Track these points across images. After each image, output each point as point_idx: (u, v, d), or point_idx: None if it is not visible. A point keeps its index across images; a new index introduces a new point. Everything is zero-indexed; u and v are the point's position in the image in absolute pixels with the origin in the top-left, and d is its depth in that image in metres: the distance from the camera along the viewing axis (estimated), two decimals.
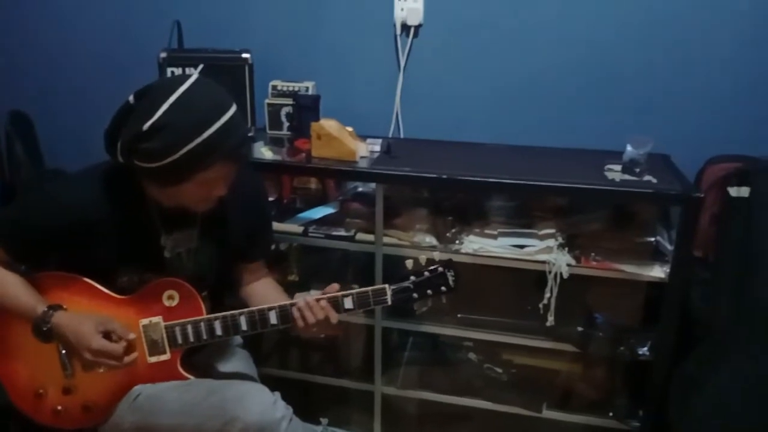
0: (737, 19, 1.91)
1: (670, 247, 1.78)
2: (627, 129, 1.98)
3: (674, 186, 1.73)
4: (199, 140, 1.24)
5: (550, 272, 1.80)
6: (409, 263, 1.51)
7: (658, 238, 1.84)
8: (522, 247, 1.84)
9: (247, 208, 1.54)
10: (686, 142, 2.00)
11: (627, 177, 1.78)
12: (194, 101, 1.26)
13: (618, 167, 1.82)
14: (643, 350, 1.84)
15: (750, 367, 1.77)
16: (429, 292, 1.48)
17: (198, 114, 1.25)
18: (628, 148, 1.82)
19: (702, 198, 1.69)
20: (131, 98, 1.31)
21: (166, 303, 1.45)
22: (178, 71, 1.99)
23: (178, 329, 1.45)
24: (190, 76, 1.29)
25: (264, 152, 1.98)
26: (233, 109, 1.30)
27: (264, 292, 1.60)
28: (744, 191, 1.81)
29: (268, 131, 2.20)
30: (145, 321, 1.45)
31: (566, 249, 1.83)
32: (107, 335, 1.39)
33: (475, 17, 2.07)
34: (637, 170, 1.78)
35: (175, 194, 1.34)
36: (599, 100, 2.07)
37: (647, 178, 1.77)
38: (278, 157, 1.95)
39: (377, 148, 2.00)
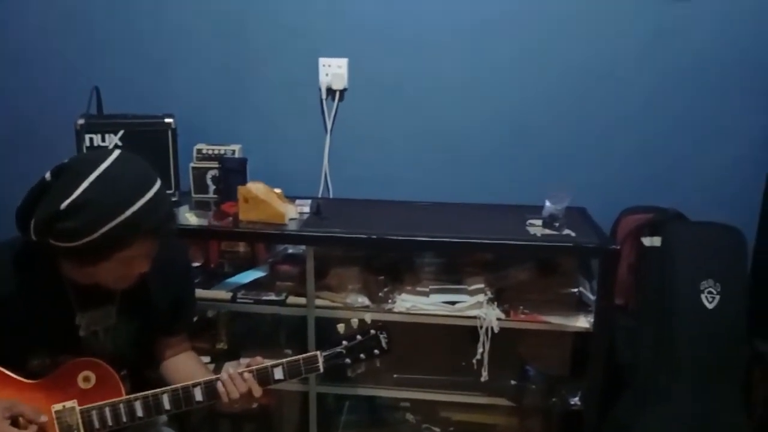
0: (645, 78, 2.06)
1: (592, 297, 1.86)
2: (545, 183, 2.09)
3: (592, 239, 1.82)
4: (120, 219, 1.20)
5: (481, 327, 1.83)
6: (341, 327, 1.50)
7: (581, 288, 1.91)
8: (453, 303, 1.86)
9: (170, 279, 1.48)
10: (601, 194, 2.12)
11: (548, 231, 1.85)
12: (116, 179, 1.21)
13: (539, 222, 1.90)
14: (575, 400, 1.88)
15: (672, 410, 1.85)
16: (362, 356, 1.47)
17: (120, 192, 1.21)
18: (547, 203, 1.90)
19: (618, 249, 1.78)
20: (48, 175, 1.25)
21: (82, 385, 1.36)
22: (96, 138, 1.93)
23: (95, 413, 1.36)
24: (111, 151, 1.25)
25: (189, 217, 1.94)
26: (157, 185, 1.26)
27: (186, 368, 1.52)
28: (656, 241, 1.93)
29: (193, 195, 2.15)
30: (58, 406, 1.35)
31: (495, 303, 1.87)
32: (15, 420, 1.29)
33: (396, 80, 2.15)
34: (557, 224, 1.87)
35: (93, 273, 1.28)
36: (517, 157, 2.17)
37: (566, 231, 1.85)
38: (204, 222, 1.91)
39: (306, 209, 2.00)
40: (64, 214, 1.19)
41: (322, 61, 2.15)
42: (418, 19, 2.09)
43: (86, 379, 1.36)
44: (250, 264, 2.07)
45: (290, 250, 2.07)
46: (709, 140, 2.08)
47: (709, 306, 1.83)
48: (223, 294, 1.94)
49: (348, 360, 1.45)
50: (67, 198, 1.19)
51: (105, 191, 1.20)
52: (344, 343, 1.45)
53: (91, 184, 1.20)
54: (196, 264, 2.03)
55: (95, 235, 1.19)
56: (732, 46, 2.00)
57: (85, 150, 1.92)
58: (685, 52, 2.03)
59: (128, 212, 1.21)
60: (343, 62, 2.14)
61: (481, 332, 1.83)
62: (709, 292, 1.84)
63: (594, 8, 2.02)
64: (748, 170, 2.07)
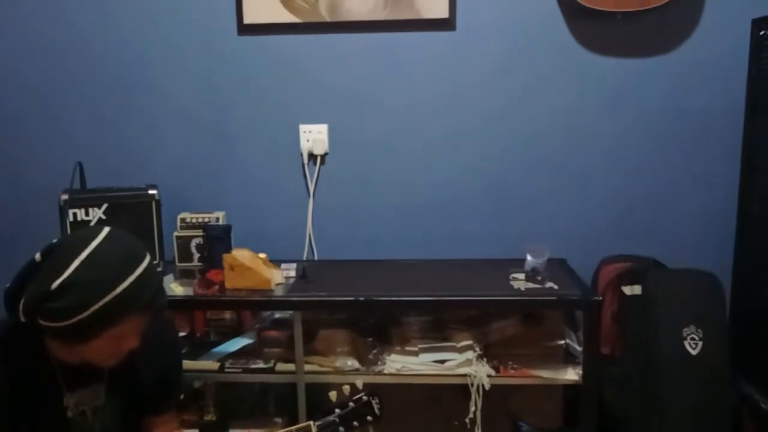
0: (612, 130, 2.15)
1: (579, 348, 1.88)
2: (525, 236, 2.15)
3: (574, 291, 1.85)
4: (110, 297, 1.20)
5: (472, 385, 1.83)
6: (333, 395, 1.49)
7: (567, 340, 1.93)
8: (443, 362, 1.87)
9: (158, 354, 1.46)
10: (579, 245, 2.17)
11: (531, 285, 1.89)
12: (105, 257, 1.22)
13: (521, 276, 1.94)
14: None
15: None
16: (356, 423, 1.45)
17: (109, 270, 1.21)
18: (528, 257, 1.94)
19: (601, 300, 1.81)
20: (37, 256, 1.25)
21: None
22: (80, 212, 1.94)
23: None
24: (101, 229, 1.27)
25: (174, 288, 1.93)
26: (146, 260, 1.27)
27: None
28: (637, 289, 1.97)
29: (177, 264, 2.16)
30: None
31: (484, 359, 1.88)
32: None
33: (375, 143, 2.21)
34: (539, 278, 1.90)
35: (82, 351, 1.27)
36: (496, 212, 2.22)
37: (549, 284, 1.88)
38: (190, 292, 1.90)
39: (292, 273, 2.01)
40: (55, 294, 1.19)
41: (302, 127, 2.21)
42: (393, 84, 2.18)
43: None
44: (236, 331, 2.06)
45: (277, 315, 2.07)
46: (680, 189, 2.16)
47: (693, 352, 1.87)
48: (210, 364, 1.92)
49: (342, 429, 1.44)
50: (58, 278, 1.19)
51: (95, 270, 1.21)
52: (337, 411, 1.44)
53: (82, 263, 1.20)
54: (182, 333, 2.01)
55: (85, 314, 1.19)
56: (693, 98, 2.11)
57: (68, 225, 1.93)
58: (647, 106, 2.13)
59: (118, 289, 1.21)
60: (324, 128, 2.21)
61: (473, 390, 1.83)
62: (692, 339, 1.87)
63: (561, 68, 2.13)
64: (719, 217, 2.14)
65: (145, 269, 1.25)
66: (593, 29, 2.10)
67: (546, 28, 2.11)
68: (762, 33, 1.93)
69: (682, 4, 1.99)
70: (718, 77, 2.09)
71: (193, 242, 2.15)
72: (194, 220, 2.15)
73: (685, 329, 1.88)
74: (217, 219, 2.16)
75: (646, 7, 1.93)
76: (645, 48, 2.10)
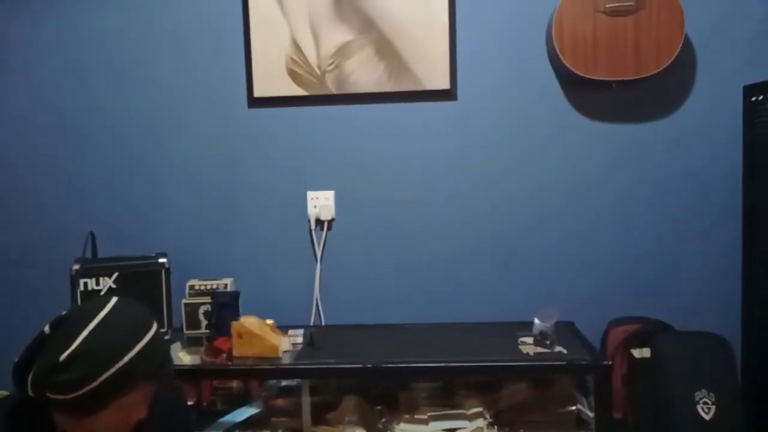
0: (615, 194, 2.19)
1: (591, 414, 1.85)
2: (532, 298, 2.15)
3: (584, 355, 1.84)
4: (118, 366, 1.21)
5: None
6: None
7: (579, 406, 1.91)
8: (453, 430, 1.84)
9: (168, 425, 1.46)
10: (587, 307, 2.17)
11: (540, 350, 1.87)
12: (113, 327, 1.24)
13: (530, 340, 1.93)
14: None
15: None
16: None
17: (117, 340, 1.23)
18: (536, 321, 1.94)
19: (611, 365, 1.80)
20: (46, 328, 1.27)
21: None
22: (91, 282, 1.97)
23: None
24: (109, 299, 1.29)
25: (182, 357, 1.93)
26: (153, 329, 1.28)
27: None
28: (646, 352, 1.96)
29: (185, 331, 2.16)
30: None
31: (495, 427, 1.85)
32: None
33: (381, 208, 2.25)
34: (548, 342, 1.89)
35: (91, 424, 1.26)
36: (503, 275, 2.24)
37: (558, 349, 1.87)
38: (197, 361, 1.90)
39: (300, 339, 2.01)
40: (63, 366, 1.20)
41: (310, 194, 2.26)
42: (398, 152, 2.24)
43: None
44: (243, 400, 2.04)
45: (284, 383, 2.05)
46: (683, 251, 2.18)
47: (707, 417, 1.83)
48: None
49: None
50: (66, 350, 1.20)
51: (102, 340, 1.22)
52: None
53: (89, 334, 1.22)
54: (189, 403, 1.98)
55: (93, 385, 1.19)
56: (691, 162, 2.16)
57: (79, 294, 1.95)
58: (646, 169, 2.18)
59: (126, 359, 1.22)
60: (330, 194, 2.26)
61: None
62: (705, 403, 1.84)
63: (562, 134, 2.19)
64: (724, 278, 2.15)
65: (152, 338, 1.27)
66: (590, 97, 2.17)
67: (545, 97, 2.18)
68: (754, 99, 2.00)
69: (675, 72, 2.07)
70: (715, 141, 2.14)
71: (201, 309, 2.16)
72: (202, 287, 2.17)
73: (697, 393, 1.85)
74: (226, 285, 2.18)
75: (640, 76, 2.01)
76: (642, 114, 2.17)
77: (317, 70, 2.21)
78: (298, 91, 2.22)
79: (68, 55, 2.29)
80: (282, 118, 2.25)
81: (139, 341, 1.25)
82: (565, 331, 2.03)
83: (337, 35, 2.20)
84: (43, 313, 1.31)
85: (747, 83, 2.05)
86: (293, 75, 2.22)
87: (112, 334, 1.23)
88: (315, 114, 2.25)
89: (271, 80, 2.22)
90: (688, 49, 2.11)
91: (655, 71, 2.00)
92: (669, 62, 1.99)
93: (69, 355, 1.20)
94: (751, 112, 2.02)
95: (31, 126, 2.32)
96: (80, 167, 2.32)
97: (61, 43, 2.28)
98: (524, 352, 1.87)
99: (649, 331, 2.01)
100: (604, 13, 2.00)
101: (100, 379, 1.21)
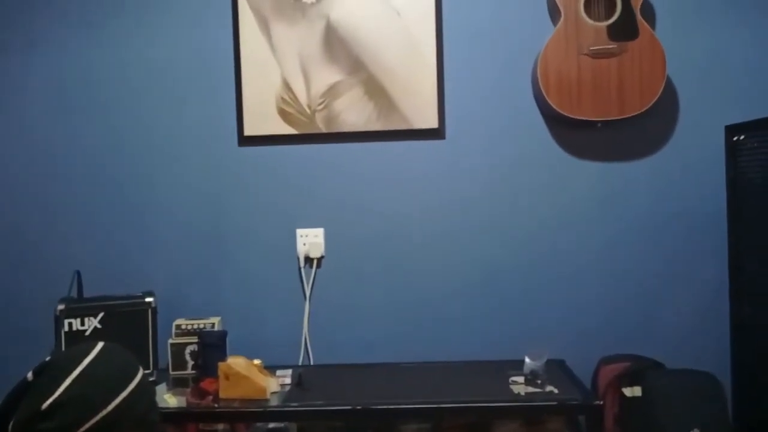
0: (604, 233, 2.21)
1: None
2: (522, 337, 2.15)
3: (575, 395, 1.82)
4: (102, 414, 1.18)
5: None
6: None
7: None
8: None
9: None
10: (577, 346, 2.16)
11: (531, 389, 1.86)
12: (97, 374, 1.21)
13: (521, 379, 1.91)
14: None
15: None
16: None
17: (101, 388, 1.20)
18: (527, 360, 1.93)
19: (602, 405, 1.78)
20: (29, 375, 1.24)
21: None
22: (76, 322, 1.94)
23: None
24: (93, 346, 1.26)
25: (167, 399, 1.89)
26: (139, 375, 1.26)
27: None
28: (637, 391, 1.95)
29: (171, 372, 2.12)
30: None
31: None
32: None
33: (370, 246, 2.25)
34: (539, 381, 1.88)
35: None
36: (493, 313, 2.23)
37: (549, 388, 1.86)
38: (183, 404, 1.86)
39: (288, 380, 1.98)
40: (46, 414, 1.17)
41: (299, 231, 2.26)
42: (387, 190, 2.25)
43: None
44: None
45: (272, 425, 2.01)
46: (671, 289, 2.19)
47: None
48: None
49: None
50: (49, 397, 1.18)
51: (86, 388, 1.19)
52: None
53: (73, 381, 1.19)
54: None
55: None
56: (676, 201, 2.19)
57: (63, 335, 1.92)
58: (633, 206, 2.20)
59: (110, 407, 1.20)
60: (320, 232, 2.26)
61: None
62: None
63: (548, 173, 2.22)
64: (712, 316, 2.16)
65: (138, 384, 1.24)
66: (576, 137, 2.21)
67: (532, 136, 2.22)
68: (735, 138, 2.04)
69: (659, 112, 2.11)
70: (699, 180, 2.18)
71: (188, 349, 2.12)
72: (189, 327, 2.14)
73: None
74: (213, 325, 2.15)
75: (624, 116, 2.04)
76: (627, 153, 2.21)
77: (307, 110, 2.24)
78: (289, 130, 2.24)
79: (55, 93, 2.29)
80: (272, 156, 2.26)
81: (124, 389, 1.22)
82: (556, 369, 2.01)
83: (327, 75, 2.22)
84: (26, 355, 1.29)
85: (728, 123, 2.10)
86: (283, 114, 2.24)
87: (96, 382, 1.21)
88: (305, 152, 2.26)
89: (261, 119, 2.24)
90: (670, 89, 2.16)
91: (639, 111, 2.04)
92: (652, 103, 2.03)
93: (52, 403, 1.18)
94: (733, 151, 2.06)
95: (16, 163, 2.31)
96: (67, 205, 2.30)
97: (48, 82, 2.29)
98: (515, 392, 1.85)
99: (639, 369, 2.00)
100: (587, 55, 2.04)
101: (83, 428, 1.18)
